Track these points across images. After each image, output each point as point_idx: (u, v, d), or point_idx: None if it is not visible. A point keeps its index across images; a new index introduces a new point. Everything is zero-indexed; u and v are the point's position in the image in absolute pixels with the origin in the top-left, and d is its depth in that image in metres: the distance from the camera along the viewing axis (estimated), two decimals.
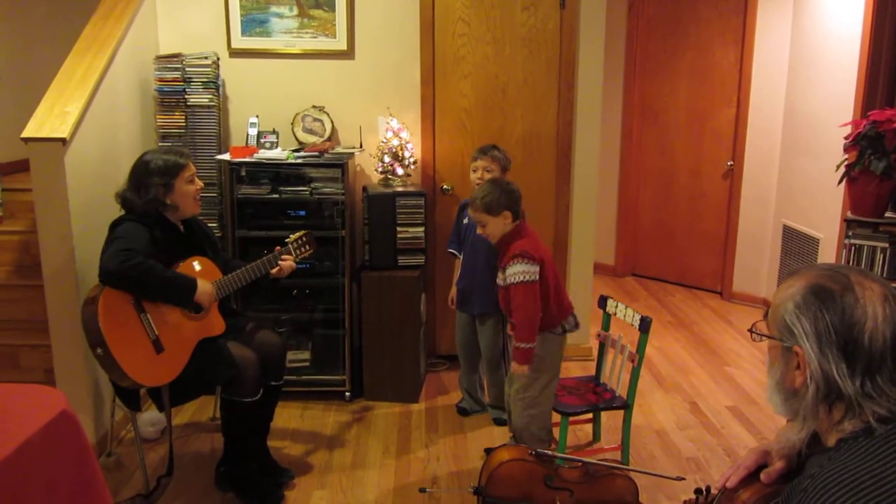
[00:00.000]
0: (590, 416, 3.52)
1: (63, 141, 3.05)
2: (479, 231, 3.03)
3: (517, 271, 2.88)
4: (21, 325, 3.61)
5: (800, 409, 1.24)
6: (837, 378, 1.17)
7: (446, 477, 3.23)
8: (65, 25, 4.40)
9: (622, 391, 3.24)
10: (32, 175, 3.10)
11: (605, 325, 3.42)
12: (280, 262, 3.08)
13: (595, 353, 4.58)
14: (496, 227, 2.95)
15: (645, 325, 3.10)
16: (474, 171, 3.53)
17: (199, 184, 3.01)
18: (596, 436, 3.54)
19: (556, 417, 3.19)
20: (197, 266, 2.96)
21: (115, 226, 2.84)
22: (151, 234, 2.81)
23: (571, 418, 3.22)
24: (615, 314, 3.32)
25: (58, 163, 3.07)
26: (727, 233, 5.76)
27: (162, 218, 2.91)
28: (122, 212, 2.93)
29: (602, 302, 3.41)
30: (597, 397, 3.25)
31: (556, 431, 3.27)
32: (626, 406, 3.18)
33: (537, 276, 2.90)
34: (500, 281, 3.03)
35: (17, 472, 1.76)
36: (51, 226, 3.12)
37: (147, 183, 2.86)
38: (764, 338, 1.30)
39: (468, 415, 3.80)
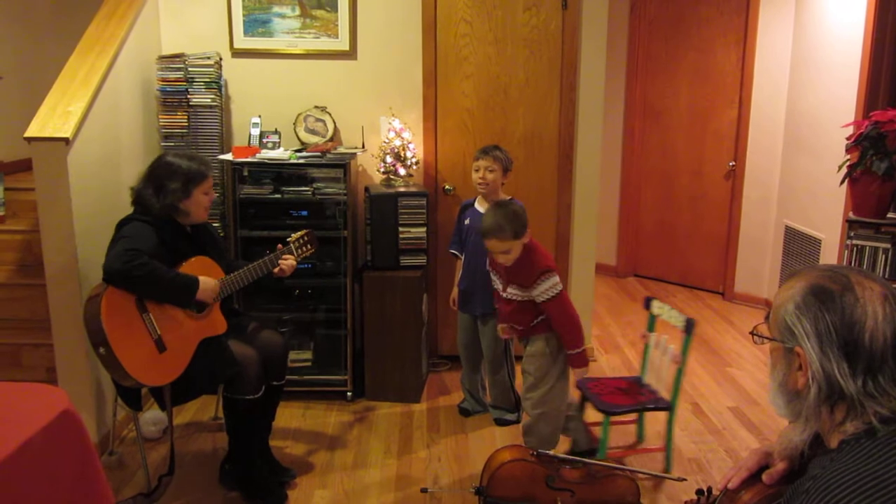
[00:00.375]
0: (634, 416, 3.51)
1: (66, 141, 3.06)
2: (501, 259, 2.97)
3: (546, 288, 2.94)
4: (23, 323, 3.62)
5: (802, 410, 1.24)
6: (839, 378, 1.17)
7: (448, 477, 3.23)
8: (69, 24, 4.41)
9: (664, 392, 3.23)
10: (35, 174, 3.11)
11: (651, 326, 3.41)
12: (281, 262, 3.08)
13: (596, 354, 4.61)
14: (519, 248, 2.95)
15: (689, 327, 3.09)
16: (476, 170, 3.53)
17: (213, 195, 3.03)
18: (640, 436, 3.52)
19: (598, 416, 3.21)
20: (199, 266, 2.96)
21: (121, 225, 2.85)
22: (158, 234, 2.82)
23: (615, 418, 3.21)
24: (660, 315, 3.32)
25: (60, 162, 3.07)
26: (729, 233, 5.76)
27: (171, 219, 2.92)
28: (132, 208, 2.93)
29: (647, 303, 3.41)
30: (640, 398, 3.24)
31: (597, 431, 3.28)
32: (669, 407, 3.17)
33: (561, 284, 2.98)
34: (510, 295, 3.05)
35: (19, 470, 1.77)
36: (53, 225, 3.12)
37: (167, 186, 2.86)
38: (766, 340, 1.30)
39: (470, 415, 3.80)
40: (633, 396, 3.24)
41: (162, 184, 2.87)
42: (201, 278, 2.84)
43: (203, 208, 2.98)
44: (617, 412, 3.14)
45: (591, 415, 3.43)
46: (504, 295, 3.10)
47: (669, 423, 3.22)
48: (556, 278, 2.95)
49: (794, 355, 1.23)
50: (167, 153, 3.00)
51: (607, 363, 4.49)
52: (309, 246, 3.21)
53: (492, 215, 2.95)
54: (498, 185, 3.54)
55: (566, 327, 3.00)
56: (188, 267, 2.90)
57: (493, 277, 3.18)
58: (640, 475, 3.00)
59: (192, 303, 2.83)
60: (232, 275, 2.99)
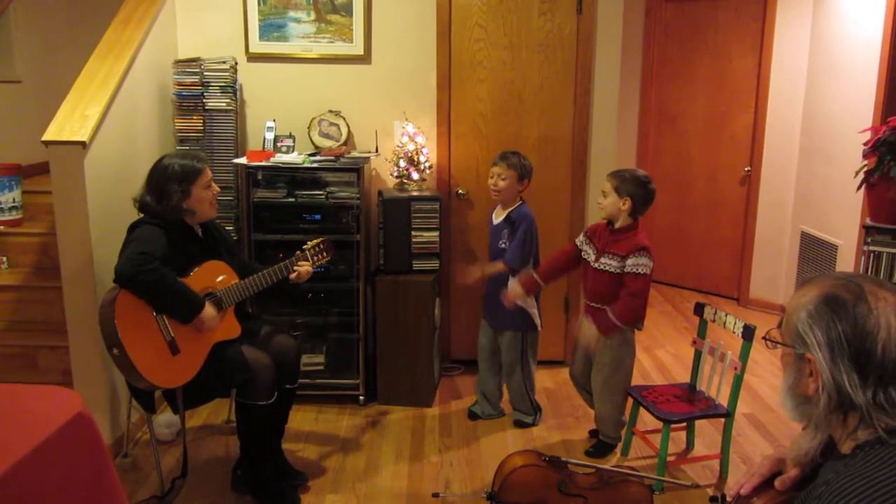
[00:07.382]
0: (684, 423, 3.46)
1: (83, 144, 3.08)
2: (599, 200, 3.24)
3: (641, 263, 3.11)
4: (39, 326, 3.65)
5: (812, 415, 1.24)
6: (849, 388, 1.16)
7: (459, 482, 3.23)
8: (86, 30, 4.45)
9: (720, 399, 3.21)
10: (52, 178, 3.14)
11: (702, 333, 3.38)
12: (297, 268, 3.08)
13: None
14: (613, 205, 3.17)
15: (748, 333, 3.08)
16: (490, 177, 3.54)
17: (216, 188, 3.02)
18: (690, 443, 3.49)
19: (654, 424, 3.19)
20: (212, 270, 2.97)
21: (133, 228, 2.86)
22: (168, 237, 2.83)
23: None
24: (713, 321, 3.30)
25: (77, 166, 3.10)
26: (744, 239, 5.72)
27: (180, 221, 2.93)
28: (140, 214, 2.95)
29: (699, 309, 3.39)
30: (699, 405, 3.22)
31: (654, 438, 3.28)
32: (728, 414, 3.14)
33: (651, 273, 3.14)
34: (602, 266, 3.17)
35: (34, 472, 1.78)
36: (70, 228, 3.15)
37: (167, 190, 2.86)
38: (778, 345, 1.29)
39: (478, 419, 3.79)
40: (690, 404, 3.22)
41: (161, 189, 2.87)
42: (208, 305, 2.83)
43: (208, 204, 2.96)
44: (677, 420, 3.11)
45: (648, 422, 3.44)
46: (596, 265, 3.20)
47: (728, 429, 3.19)
48: (651, 263, 3.12)
49: (806, 361, 1.22)
50: (162, 157, 2.97)
51: None
52: (325, 254, 3.20)
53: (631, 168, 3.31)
54: (512, 192, 3.54)
55: (630, 302, 3.12)
56: (201, 272, 2.91)
57: (585, 248, 3.31)
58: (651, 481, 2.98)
59: (190, 321, 2.80)
60: (245, 280, 2.99)
